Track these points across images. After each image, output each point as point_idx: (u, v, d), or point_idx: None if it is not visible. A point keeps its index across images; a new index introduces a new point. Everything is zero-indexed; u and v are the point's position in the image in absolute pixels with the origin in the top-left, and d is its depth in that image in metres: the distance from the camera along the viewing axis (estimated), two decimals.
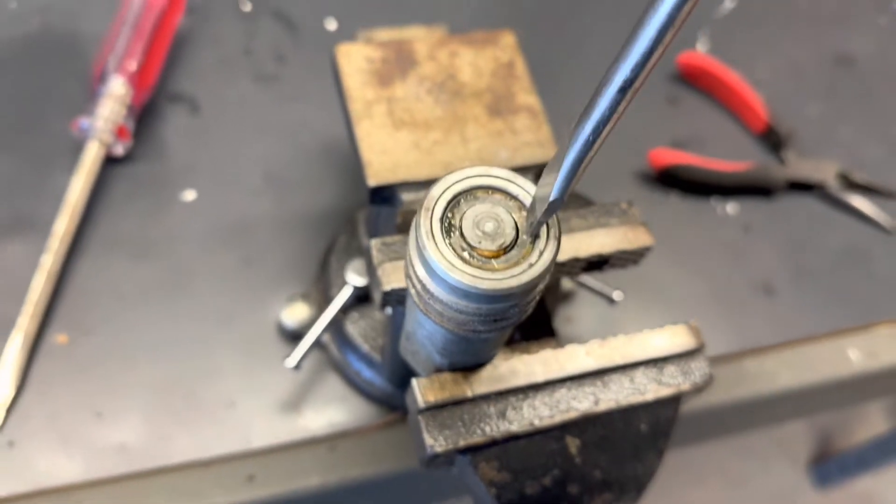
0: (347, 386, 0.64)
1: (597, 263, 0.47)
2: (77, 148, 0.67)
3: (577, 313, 0.69)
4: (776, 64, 0.88)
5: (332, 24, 0.81)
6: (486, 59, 0.58)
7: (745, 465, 1.90)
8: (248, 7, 0.80)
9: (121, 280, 0.65)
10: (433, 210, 0.33)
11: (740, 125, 0.82)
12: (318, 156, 0.73)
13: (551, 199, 0.31)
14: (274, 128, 0.74)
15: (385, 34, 0.62)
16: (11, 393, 0.60)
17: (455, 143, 0.54)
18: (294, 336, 0.64)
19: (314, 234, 0.69)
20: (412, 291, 0.36)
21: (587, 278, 0.67)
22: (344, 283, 0.61)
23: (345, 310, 0.62)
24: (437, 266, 0.32)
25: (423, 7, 0.84)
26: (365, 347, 0.61)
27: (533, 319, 0.50)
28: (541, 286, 0.34)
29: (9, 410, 0.60)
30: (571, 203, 0.51)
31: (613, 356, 0.43)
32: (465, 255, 0.33)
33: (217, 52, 0.77)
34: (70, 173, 0.66)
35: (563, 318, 0.69)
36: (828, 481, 1.88)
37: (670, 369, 0.43)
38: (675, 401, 0.44)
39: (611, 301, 0.65)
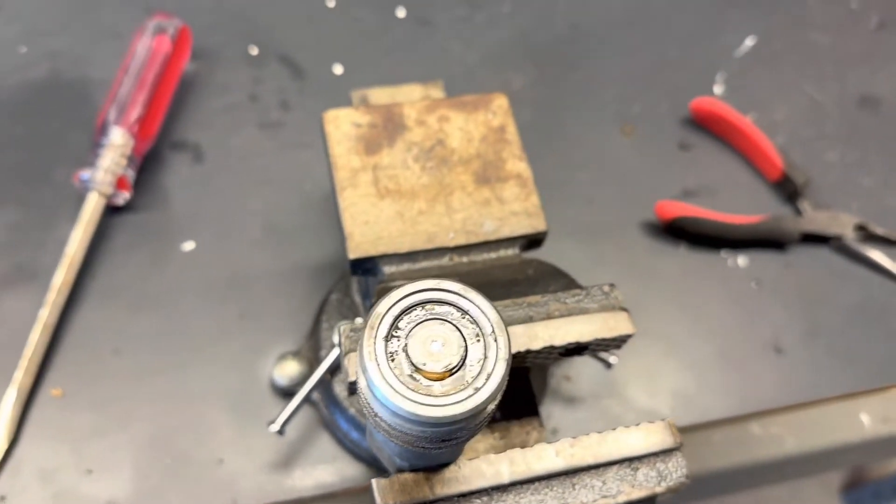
0: (337, 446, 0.63)
1: (574, 350, 0.46)
2: (79, 199, 0.68)
3: (576, 372, 0.68)
4: (795, 105, 0.85)
5: (338, 69, 0.80)
6: (477, 124, 0.57)
7: (778, 491, 1.86)
8: (255, 51, 0.80)
9: (117, 332, 0.65)
10: (377, 329, 0.33)
11: (755, 173, 0.80)
12: (320, 205, 0.72)
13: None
14: (277, 176, 0.74)
15: (379, 94, 0.61)
16: (5, 446, 0.61)
17: (440, 212, 0.53)
18: (285, 393, 0.64)
19: (311, 287, 0.69)
20: (362, 402, 0.35)
21: None
22: (333, 344, 0.61)
23: (332, 371, 0.61)
24: (378, 391, 0.32)
25: (432, 50, 0.83)
26: (352, 410, 0.61)
27: (515, 398, 0.49)
28: (490, 408, 0.33)
29: (1, 464, 0.60)
30: (552, 285, 0.49)
31: (585, 456, 0.42)
32: (410, 376, 0.32)
33: (223, 99, 0.77)
34: (72, 224, 0.67)
35: (561, 377, 0.68)
36: None
37: (644, 470, 0.42)
38: (649, 502, 0.42)
39: (608, 365, 0.63)
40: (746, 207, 0.76)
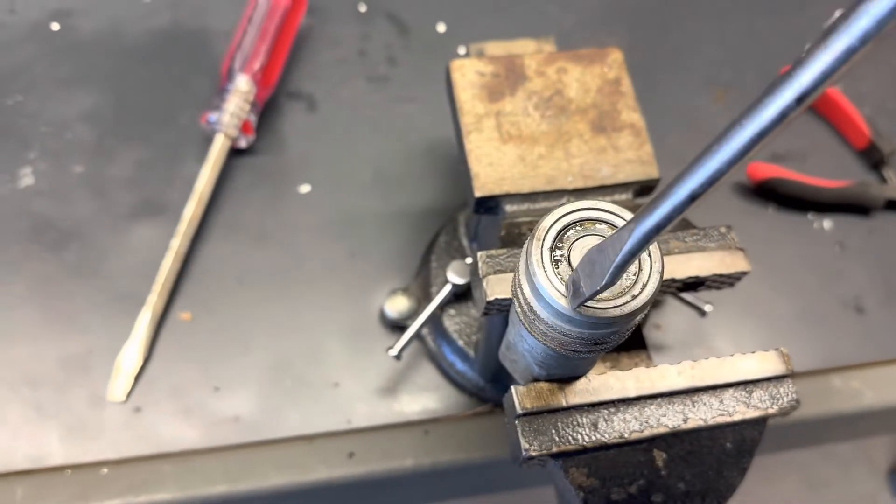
0: (441, 376, 0.68)
1: (692, 285, 0.50)
2: (205, 140, 0.73)
3: (666, 321, 0.72)
4: (881, 77, 0.87)
5: (441, 27, 0.84)
6: (593, 76, 0.60)
7: (826, 469, 1.87)
8: (363, 8, 0.84)
9: (240, 264, 0.71)
10: (543, 240, 0.37)
11: (842, 141, 0.82)
12: (424, 156, 0.77)
13: (602, 284, 0.32)
14: (384, 127, 0.78)
15: (495, 48, 0.65)
16: (139, 363, 0.66)
17: (559, 157, 0.57)
18: (394, 326, 0.69)
19: (416, 231, 0.73)
20: (518, 310, 0.40)
21: None
22: (444, 280, 0.65)
23: (442, 306, 0.66)
24: (546, 293, 0.36)
25: (529, 12, 0.86)
26: (460, 342, 0.65)
27: None
28: (641, 315, 0.37)
29: (136, 379, 0.66)
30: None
31: (704, 377, 0.45)
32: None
33: (334, 53, 0.81)
34: (198, 163, 0.72)
35: (652, 325, 0.71)
36: None
37: (759, 393, 0.46)
38: (761, 422, 0.46)
39: (702, 313, 0.67)
40: (833, 174, 0.79)
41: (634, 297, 0.36)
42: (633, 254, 0.31)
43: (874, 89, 0.85)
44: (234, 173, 0.74)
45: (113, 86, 0.78)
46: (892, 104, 0.84)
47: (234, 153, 0.75)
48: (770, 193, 0.77)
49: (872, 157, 0.80)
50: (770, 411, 0.45)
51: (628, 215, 0.38)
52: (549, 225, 0.37)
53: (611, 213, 0.38)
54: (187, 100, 0.77)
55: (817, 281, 0.75)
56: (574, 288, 0.34)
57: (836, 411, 0.69)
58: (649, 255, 0.37)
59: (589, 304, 0.35)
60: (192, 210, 0.70)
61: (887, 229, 0.78)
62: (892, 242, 0.77)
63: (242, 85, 0.73)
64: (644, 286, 0.36)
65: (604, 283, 0.32)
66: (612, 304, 0.35)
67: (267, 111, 0.77)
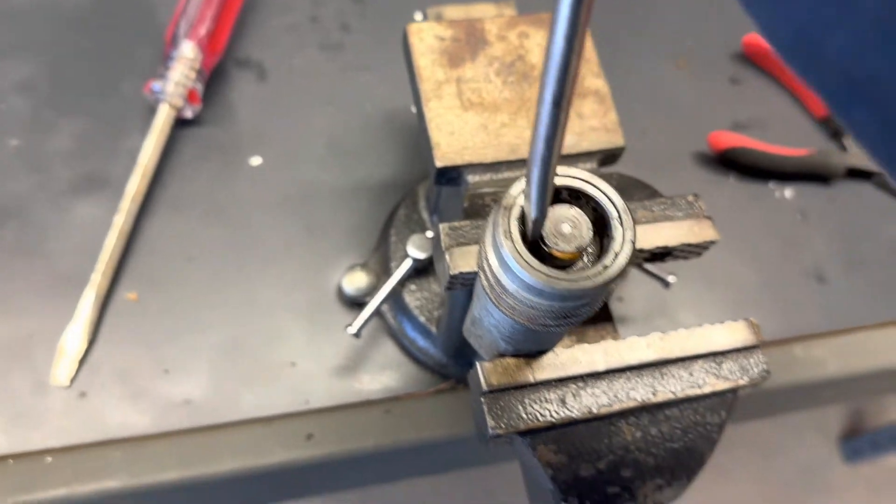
0: (402, 353, 0.66)
1: (660, 255, 0.48)
2: (149, 110, 0.70)
3: (629, 294, 0.70)
4: None
5: None
6: None
7: (778, 436, 1.91)
8: None
9: (189, 241, 0.67)
10: (511, 209, 0.35)
11: (803, 109, 0.82)
12: (381, 126, 0.74)
13: (531, 217, 0.33)
14: (338, 97, 0.75)
15: (454, 11, 0.63)
16: (84, 346, 0.63)
17: (522, 126, 0.55)
18: (353, 303, 0.66)
19: (374, 204, 0.71)
20: (484, 283, 0.38)
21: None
22: (404, 255, 0.63)
23: (403, 281, 0.64)
24: (514, 265, 0.34)
25: None
26: (421, 318, 0.63)
27: None
28: (614, 286, 0.35)
29: (81, 363, 0.63)
30: (637, 194, 0.51)
31: (673, 349, 0.44)
32: (542, 254, 0.34)
33: (285, 19, 0.78)
34: (142, 135, 0.68)
35: (615, 298, 0.70)
36: (859, 457, 1.89)
37: (728, 364, 0.45)
38: (731, 394, 0.45)
39: (665, 284, 0.66)
40: (793, 142, 0.78)
41: (606, 267, 0.34)
42: (544, 178, 0.30)
43: None
44: (181, 145, 0.71)
45: (50, 54, 0.74)
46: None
47: (180, 124, 0.71)
48: (731, 163, 0.76)
49: (833, 126, 0.80)
50: (740, 382, 0.44)
51: (599, 181, 0.36)
52: (518, 193, 0.35)
53: (581, 179, 0.36)
54: (130, 68, 0.73)
55: (779, 250, 0.75)
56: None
57: (798, 380, 0.69)
58: (621, 224, 0.35)
59: (559, 275, 0.33)
60: (136, 184, 0.66)
61: (848, 198, 0.78)
62: (852, 211, 0.77)
63: (188, 52, 0.69)
64: (616, 256, 0.34)
65: (534, 216, 0.32)
66: (583, 275, 0.34)
67: (214, 80, 0.74)
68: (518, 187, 0.35)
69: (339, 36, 0.78)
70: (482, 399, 0.42)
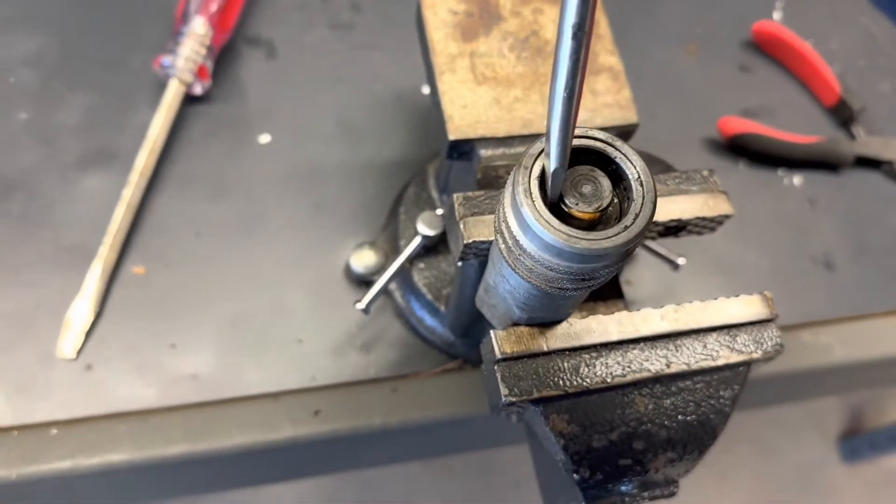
0: (409, 332, 0.66)
1: (674, 229, 0.48)
2: (158, 85, 0.69)
3: (637, 276, 0.70)
4: (851, 37, 0.86)
5: None
6: None
7: (777, 435, 1.91)
8: None
9: (197, 216, 0.67)
10: (531, 168, 0.34)
11: (812, 97, 0.81)
12: (391, 105, 0.74)
13: (551, 169, 0.32)
14: (348, 76, 0.75)
15: None
16: (90, 319, 0.62)
17: (535, 101, 0.55)
18: (360, 281, 0.66)
19: (383, 183, 0.70)
20: (501, 246, 0.37)
21: (653, 242, 0.68)
22: (413, 233, 0.63)
23: (412, 259, 0.63)
24: (534, 224, 0.33)
25: None
26: (429, 296, 0.63)
27: None
28: (635, 246, 0.35)
29: (87, 335, 0.62)
30: (652, 168, 0.51)
31: (688, 321, 0.44)
32: (562, 214, 0.34)
33: None
34: (151, 110, 0.68)
35: (623, 280, 0.70)
36: (857, 456, 1.89)
37: (743, 337, 0.44)
38: (745, 367, 0.45)
39: (675, 266, 0.66)
40: (803, 130, 0.78)
41: (627, 227, 0.34)
42: (566, 121, 0.30)
43: (844, 47, 0.85)
44: (190, 121, 0.70)
45: (59, 27, 0.73)
46: (861, 62, 0.84)
47: (190, 101, 0.71)
48: (740, 149, 0.76)
49: (842, 114, 0.80)
50: (754, 356, 0.44)
51: (619, 142, 0.36)
52: (538, 152, 0.35)
53: (603, 141, 0.36)
54: (139, 43, 0.73)
55: (787, 237, 0.75)
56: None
57: (806, 366, 0.69)
58: (641, 185, 0.35)
59: (579, 234, 0.33)
60: (144, 158, 0.66)
61: (856, 186, 0.77)
62: (861, 199, 0.77)
63: (198, 28, 0.69)
64: (636, 216, 0.34)
65: (553, 167, 0.31)
66: (603, 234, 0.33)
67: (224, 57, 0.73)
68: (538, 147, 0.35)
69: (350, 15, 0.78)
70: (495, 367, 0.42)
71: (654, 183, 0.35)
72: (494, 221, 0.39)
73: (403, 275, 0.64)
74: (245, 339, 0.63)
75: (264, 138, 0.71)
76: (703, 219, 0.47)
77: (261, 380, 0.62)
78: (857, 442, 1.89)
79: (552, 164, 0.32)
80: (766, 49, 0.82)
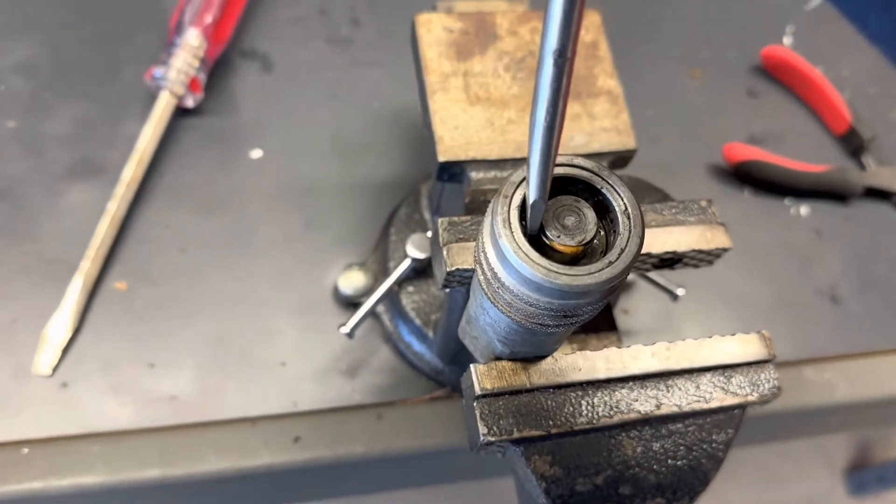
0: (397, 357, 0.64)
1: (669, 261, 0.46)
2: (150, 97, 0.68)
3: (635, 305, 0.68)
4: (862, 63, 0.84)
5: None
6: None
7: (783, 466, 1.87)
8: None
9: (184, 232, 0.65)
10: (511, 197, 0.32)
11: (821, 125, 0.79)
12: (386, 124, 0.72)
13: (530, 201, 0.30)
14: (344, 92, 0.73)
15: (465, 4, 0.61)
16: (68, 335, 0.61)
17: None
18: (348, 303, 0.64)
19: (376, 203, 0.68)
20: (480, 278, 0.35)
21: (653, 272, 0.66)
22: (402, 255, 0.61)
23: (401, 282, 0.61)
24: (512, 256, 0.31)
25: None
26: (418, 321, 0.61)
27: None
28: (619, 283, 0.33)
29: (65, 351, 0.61)
30: (648, 197, 0.49)
31: (680, 359, 0.42)
32: (543, 247, 0.32)
33: (292, 11, 0.76)
34: (141, 122, 0.67)
35: (620, 310, 0.68)
36: (864, 490, 1.85)
37: (738, 378, 0.42)
38: (739, 410, 0.42)
39: (674, 297, 0.63)
40: (811, 159, 0.76)
41: (611, 262, 0.32)
42: (547, 151, 0.28)
43: (855, 74, 0.83)
44: (180, 134, 0.69)
45: (51, 36, 0.72)
46: (873, 89, 0.82)
47: (181, 113, 0.69)
48: (746, 177, 0.74)
49: (852, 143, 0.78)
50: (750, 398, 0.42)
51: (605, 172, 0.34)
52: (519, 181, 0.33)
53: (587, 170, 0.34)
54: (132, 54, 0.72)
55: (793, 268, 0.72)
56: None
57: (808, 404, 0.67)
58: (628, 218, 0.33)
59: (561, 269, 0.31)
60: (131, 171, 0.65)
61: (865, 217, 0.75)
62: (869, 231, 0.75)
63: (192, 39, 0.68)
64: (622, 251, 0.32)
65: (532, 199, 0.30)
66: (586, 269, 0.31)
67: (218, 69, 0.72)
68: (519, 174, 0.33)
69: (349, 30, 0.76)
70: (475, 403, 0.40)
71: (643, 216, 0.33)
72: (474, 251, 0.37)
73: (392, 298, 0.62)
74: (226, 360, 0.61)
75: (256, 153, 0.69)
76: (700, 251, 0.45)
77: (241, 403, 0.60)
78: (865, 475, 1.85)
79: (531, 196, 0.30)
80: (775, 74, 0.80)
